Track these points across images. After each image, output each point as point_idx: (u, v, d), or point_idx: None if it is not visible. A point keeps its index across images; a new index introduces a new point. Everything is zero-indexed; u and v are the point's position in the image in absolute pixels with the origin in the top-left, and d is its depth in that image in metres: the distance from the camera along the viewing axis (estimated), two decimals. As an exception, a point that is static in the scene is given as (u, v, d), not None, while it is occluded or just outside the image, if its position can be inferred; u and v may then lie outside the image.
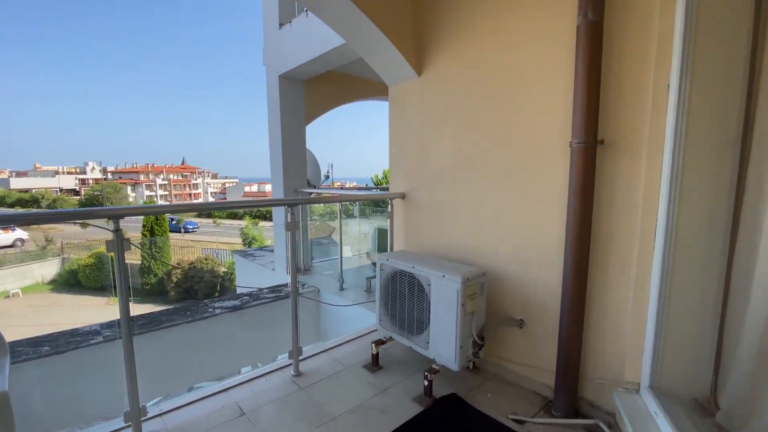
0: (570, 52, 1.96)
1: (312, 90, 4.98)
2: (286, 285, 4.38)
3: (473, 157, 2.55)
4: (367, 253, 5.25)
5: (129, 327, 1.80)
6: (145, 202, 47.66)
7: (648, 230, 1.77)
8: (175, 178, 67.59)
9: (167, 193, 64.23)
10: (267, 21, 4.74)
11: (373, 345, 2.56)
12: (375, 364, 2.55)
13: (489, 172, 2.46)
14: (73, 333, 2.92)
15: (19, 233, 23.51)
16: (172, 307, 3.77)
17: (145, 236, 18.39)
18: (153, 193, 61.70)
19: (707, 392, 1.74)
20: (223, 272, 18.55)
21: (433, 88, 2.79)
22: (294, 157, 4.57)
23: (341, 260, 4.33)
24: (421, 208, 2.99)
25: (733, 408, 1.57)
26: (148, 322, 3.13)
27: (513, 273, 2.38)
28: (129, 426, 1.84)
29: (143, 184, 61.58)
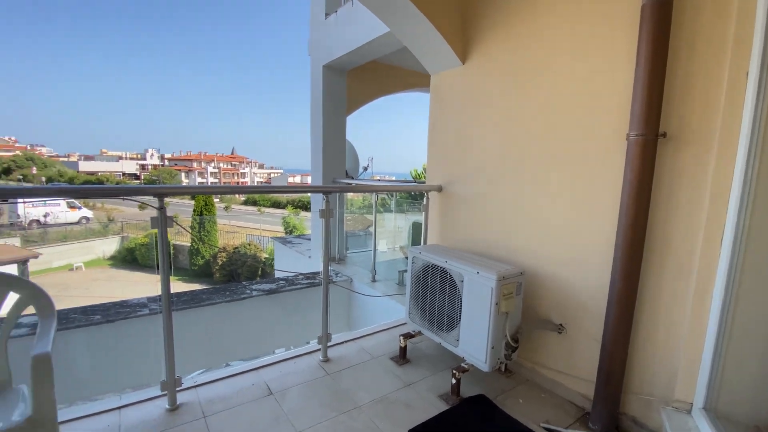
0: (630, 35, 1.79)
1: (354, 80, 4.99)
2: (318, 273, 4.45)
3: (516, 149, 2.42)
4: (401, 246, 5.21)
5: (169, 301, 1.89)
6: (196, 188, 50.56)
7: (713, 236, 1.59)
8: (225, 166, 71.18)
9: (217, 180, 67.81)
10: (314, 12, 4.80)
11: (402, 338, 2.53)
12: (402, 357, 2.52)
13: (533, 165, 2.32)
14: (123, 304, 3.14)
15: (85, 212, 25.74)
16: (212, 287, 3.94)
17: (195, 218, 19.53)
18: (204, 180, 65.40)
19: (774, 421, 1.54)
20: (265, 258, 19.31)
21: (477, 76, 2.67)
22: (334, 147, 4.61)
23: (374, 252, 4.33)
24: (457, 202, 2.90)
25: (806, 442, 1.38)
26: (190, 299, 3.30)
27: (554, 274, 2.24)
28: (165, 395, 1.94)
29: (196, 171, 65.42)
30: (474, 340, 2.13)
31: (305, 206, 35.13)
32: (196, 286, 18.12)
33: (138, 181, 57.04)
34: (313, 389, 2.17)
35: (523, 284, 2.18)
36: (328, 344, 2.54)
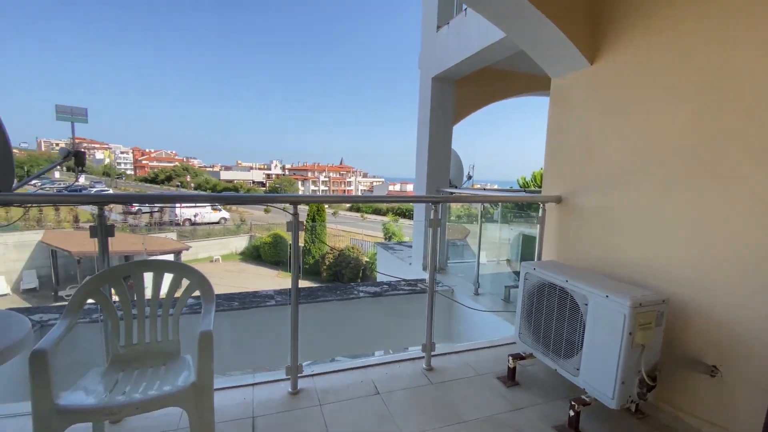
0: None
1: (463, 89, 4.95)
2: (422, 280, 4.49)
3: (654, 156, 2.10)
4: (507, 260, 4.94)
5: (297, 295, 2.11)
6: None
7: None
8: (334, 176, 77.44)
9: (327, 188, 74.17)
10: (425, 26, 4.93)
11: (510, 358, 2.38)
12: (510, 378, 2.37)
13: (679, 174, 1.99)
14: (255, 294, 3.63)
15: (223, 213, 30.55)
16: (323, 285, 4.29)
17: (308, 222, 21.55)
18: (316, 188, 72.05)
19: None
20: (366, 261, 20.31)
21: (609, 76, 2.41)
22: (439, 157, 4.64)
23: (478, 264, 4.19)
24: (580, 214, 2.63)
25: None
26: (308, 295, 3.66)
27: (705, 304, 1.87)
28: (288, 379, 2.16)
29: (310, 180, 72.56)
30: (599, 372, 1.89)
31: (404, 214, 35.99)
32: (306, 283, 19.97)
33: (264, 189, 65.54)
34: (417, 396, 2.19)
35: (666, 314, 1.87)
36: (432, 353, 2.53)
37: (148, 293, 1.73)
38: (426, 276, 4.64)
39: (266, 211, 34.24)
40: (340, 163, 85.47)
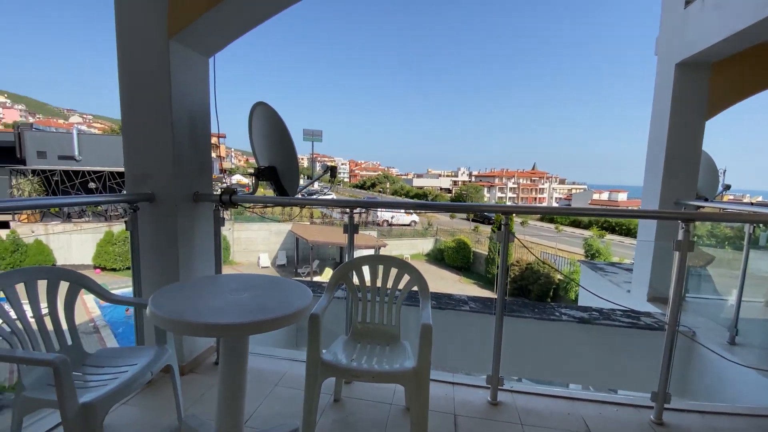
0: None
1: (721, 75, 3.80)
2: (646, 313, 3.68)
3: None
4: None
5: (503, 308, 2.10)
6: (496, 202, 54.50)
7: None
8: (524, 182, 73.08)
9: (515, 195, 70.61)
10: (666, 5, 4.03)
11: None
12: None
13: None
14: (450, 297, 3.80)
15: (414, 217, 33.24)
16: (518, 299, 4.08)
17: (494, 231, 21.05)
18: (503, 195, 69.68)
19: None
20: (559, 279, 18.27)
21: None
22: (682, 160, 3.69)
23: (739, 303, 3.13)
24: None
25: None
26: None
27: None
28: (488, 388, 2.16)
29: (496, 187, 70.84)
30: None
31: (613, 228, 30.40)
32: (486, 293, 19.55)
33: (449, 196, 67.90)
34: (645, 453, 1.81)
35: None
36: (665, 405, 2.05)
37: (379, 282, 2.05)
38: (653, 309, 3.80)
39: (451, 216, 35.38)
40: (533, 169, 79.83)
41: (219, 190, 2.40)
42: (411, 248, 26.20)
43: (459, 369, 3.21)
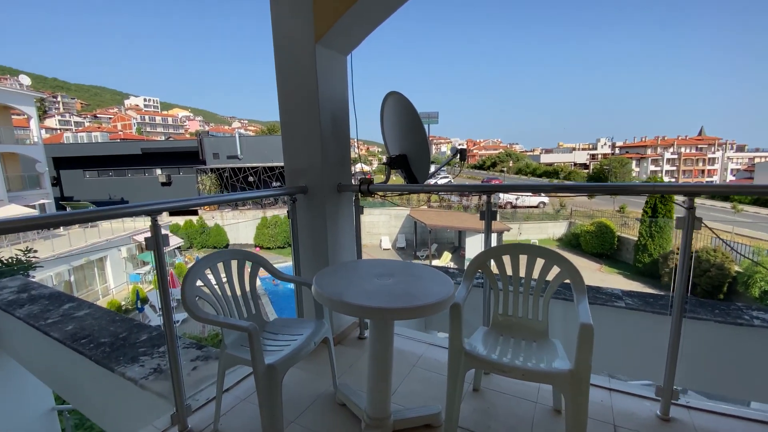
0: None
1: None
2: None
3: None
4: None
5: (681, 309, 1.74)
6: (648, 179, 45.87)
7: None
8: (687, 151, 59.55)
9: (675, 168, 58.25)
10: None
11: None
12: None
13: None
14: (599, 290, 3.35)
15: (543, 198, 30.29)
16: (694, 298, 3.36)
17: (646, 213, 17.86)
18: (658, 169, 58.20)
19: None
20: (736, 272, 14.60)
21: None
22: None
23: None
24: None
25: None
26: (663, 304, 2.99)
27: None
28: (658, 400, 1.85)
29: (649, 159, 59.42)
30: None
31: (832, 208, 22.57)
32: (633, 284, 16.77)
33: (587, 172, 59.86)
34: None
35: None
36: None
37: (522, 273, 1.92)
38: None
39: (590, 197, 31.14)
40: (699, 134, 64.30)
41: (356, 180, 2.58)
42: (539, 232, 24.23)
43: (615, 373, 2.83)
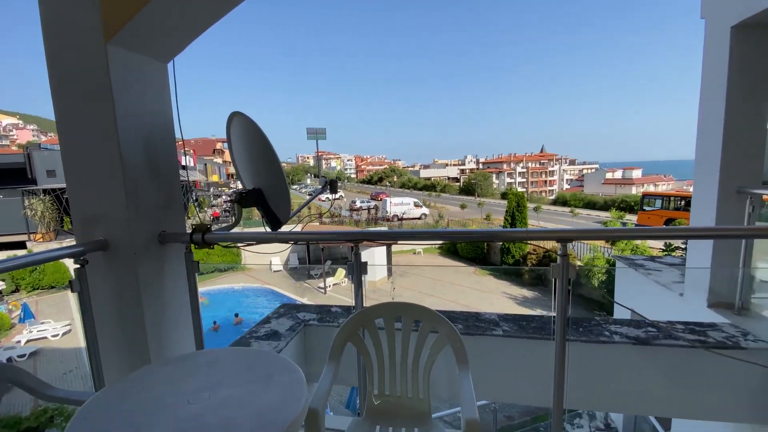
0: None
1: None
2: (713, 326, 3.12)
3: None
4: None
5: (564, 329, 1.60)
6: (506, 190, 53.40)
7: None
8: (533, 165, 71.60)
9: (524, 180, 69.29)
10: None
11: None
12: None
13: None
14: (478, 317, 3.30)
15: (424, 210, 32.77)
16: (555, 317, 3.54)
17: (507, 221, 20.42)
18: (512, 181, 68.42)
19: None
20: (578, 266, 17.61)
21: None
22: (743, 136, 3.11)
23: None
24: None
25: None
26: (540, 327, 3.07)
27: None
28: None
29: (505, 173, 69.55)
30: None
31: (632, 208, 29.32)
32: (502, 284, 18.96)
33: (457, 184, 66.84)
34: None
35: None
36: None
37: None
38: (719, 319, 3.25)
39: (462, 206, 34.67)
40: (541, 151, 78.17)
41: (191, 226, 1.93)
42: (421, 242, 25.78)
43: (503, 400, 2.70)
